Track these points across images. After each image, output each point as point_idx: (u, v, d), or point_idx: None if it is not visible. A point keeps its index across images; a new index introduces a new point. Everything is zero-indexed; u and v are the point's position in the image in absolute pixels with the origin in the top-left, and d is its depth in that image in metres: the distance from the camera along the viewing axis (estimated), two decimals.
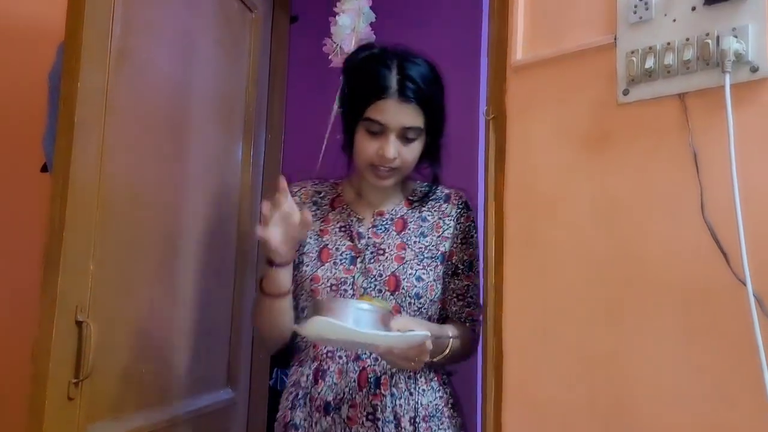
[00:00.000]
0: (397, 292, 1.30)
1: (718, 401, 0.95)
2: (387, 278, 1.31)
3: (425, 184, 1.44)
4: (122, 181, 1.28)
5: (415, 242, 1.36)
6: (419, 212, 1.40)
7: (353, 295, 1.29)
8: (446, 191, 1.44)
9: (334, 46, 1.58)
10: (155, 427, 1.40)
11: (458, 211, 1.41)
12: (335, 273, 1.32)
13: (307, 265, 1.34)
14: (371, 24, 1.61)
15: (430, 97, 1.29)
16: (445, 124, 1.36)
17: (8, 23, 1.91)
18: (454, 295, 1.38)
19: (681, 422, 0.98)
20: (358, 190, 1.42)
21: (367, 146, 1.29)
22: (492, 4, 1.34)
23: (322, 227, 1.39)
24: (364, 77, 1.30)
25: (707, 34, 1.01)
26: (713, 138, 0.98)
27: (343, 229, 1.38)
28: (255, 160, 1.83)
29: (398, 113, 1.26)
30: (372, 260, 1.33)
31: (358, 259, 1.34)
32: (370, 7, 1.62)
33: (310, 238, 1.37)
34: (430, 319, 1.34)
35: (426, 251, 1.36)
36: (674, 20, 1.05)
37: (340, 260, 1.34)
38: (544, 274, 1.19)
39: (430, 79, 1.30)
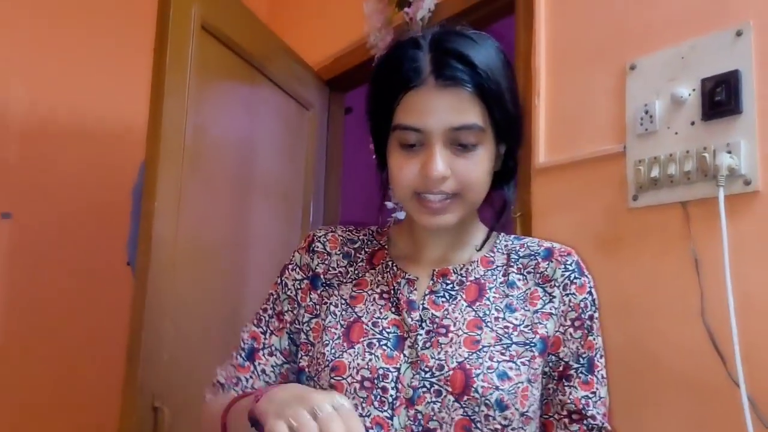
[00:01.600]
0: (466, 397, 0.82)
1: None
2: (451, 373, 0.83)
3: (513, 236, 0.98)
4: (190, 277, 1.47)
5: (497, 319, 0.88)
6: (504, 275, 0.93)
7: (397, 397, 0.83)
8: (546, 245, 0.94)
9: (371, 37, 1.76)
10: None
11: (567, 275, 0.90)
12: (370, 361, 0.85)
13: (328, 345, 0.88)
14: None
15: (488, 77, 0.82)
16: (522, 125, 0.92)
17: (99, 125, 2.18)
18: (565, 412, 0.89)
19: None
20: (410, 240, 0.96)
21: (404, 167, 0.84)
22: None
23: (354, 292, 0.93)
24: (387, 67, 0.87)
25: (705, 148, 1.10)
26: (712, 245, 1.06)
27: (385, 295, 0.92)
28: None
29: (439, 108, 0.82)
30: (429, 344, 0.86)
31: (407, 342, 0.87)
32: None
33: (336, 306, 0.92)
34: None
35: (515, 333, 0.87)
36: (676, 133, 1.15)
37: (380, 342, 0.87)
38: None
39: (486, 54, 0.84)
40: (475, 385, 0.81)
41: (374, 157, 0.94)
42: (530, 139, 1.42)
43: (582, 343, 0.89)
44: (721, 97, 1.09)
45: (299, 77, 1.98)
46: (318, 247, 0.96)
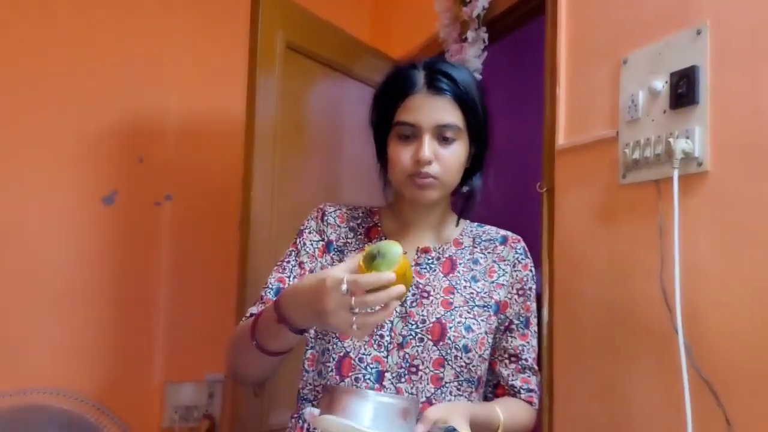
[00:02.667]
0: (441, 342, 1.10)
1: (668, 409, 1.22)
2: (431, 325, 1.11)
3: (476, 224, 1.27)
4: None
5: (465, 287, 1.17)
6: (470, 253, 1.22)
7: (390, 341, 1.10)
8: (502, 233, 1.25)
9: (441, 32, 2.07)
10: None
11: (516, 256, 1.22)
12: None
13: None
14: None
15: (465, 92, 1.12)
16: (489, 130, 1.18)
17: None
18: (507, 355, 1.20)
19: (652, 418, 1.27)
20: (399, 220, 1.23)
21: (400, 153, 1.11)
22: (545, 96, 1.68)
23: None
24: (389, 83, 1.17)
25: (670, 134, 1.27)
26: (672, 217, 1.25)
27: None
28: None
29: (430, 108, 1.10)
30: (414, 303, 1.13)
31: None
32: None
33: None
34: (478, 380, 1.16)
35: (477, 298, 1.16)
36: (653, 120, 1.33)
37: None
38: (575, 320, 1.52)
39: (464, 76, 1.14)
40: (448, 335, 1.11)
41: (375, 149, 1.23)
42: (554, 124, 1.63)
43: (523, 306, 1.22)
44: (683, 90, 1.25)
45: (383, 69, 2.29)
46: (330, 220, 1.23)
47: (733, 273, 1.15)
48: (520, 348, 1.20)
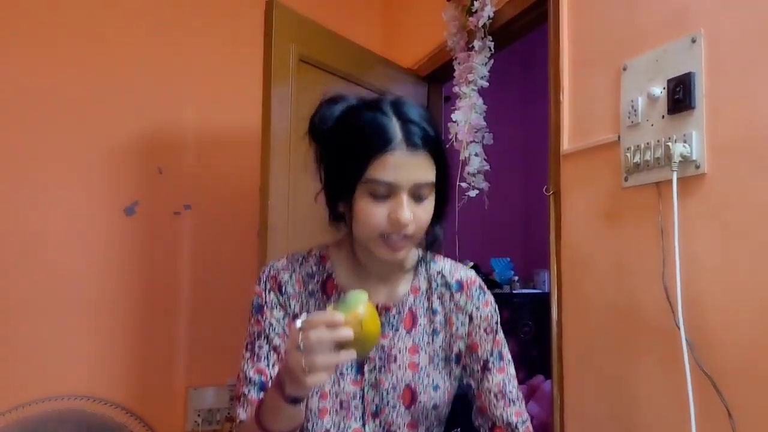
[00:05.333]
0: (413, 406, 1.12)
1: (672, 401, 1.27)
2: (401, 391, 1.12)
3: (432, 260, 1.21)
4: None
5: (427, 343, 1.16)
6: (428, 301, 1.18)
7: (365, 411, 1.11)
8: (457, 277, 1.20)
9: (451, 137, 2.08)
10: None
11: (474, 303, 1.19)
12: (343, 387, 1.11)
13: None
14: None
15: (438, 144, 1.05)
16: (449, 180, 1.12)
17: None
18: (492, 395, 1.17)
19: (657, 412, 1.32)
20: (356, 271, 1.16)
21: (374, 213, 1.02)
22: (550, 102, 1.73)
23: None
24: (358, 130, 1.03)
25: (669, 138, 1.33)
26: (672, 218, 1.30)
27: None
28: None
29: (409, 167, 1.01)
30: (383, 369, 1.12)
31: (366, 368, 1.12)
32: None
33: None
34: (445, 419, 1.20)
35: (440, 351, 1.16)
36: (652, 125, 1.38)
37: (346, 370, 1.12)
38: (582, 318, 1.57)
39: (430, 120, 1.06)
40: (419, 399, 1.13)
41: (324, 192, 1.11)
42: (559, 129, 1.69)
43: (493, 342, 1.18)
44: (679, 95, 1.31)
45: (393, 78, 2.36)
46: (289, 290, 1.14)
47: (732, 270, 1.20)
48: (502, 383, 1.17)
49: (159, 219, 2.55)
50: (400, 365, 1.13)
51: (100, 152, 2.46)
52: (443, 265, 1.22)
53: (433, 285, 1.19)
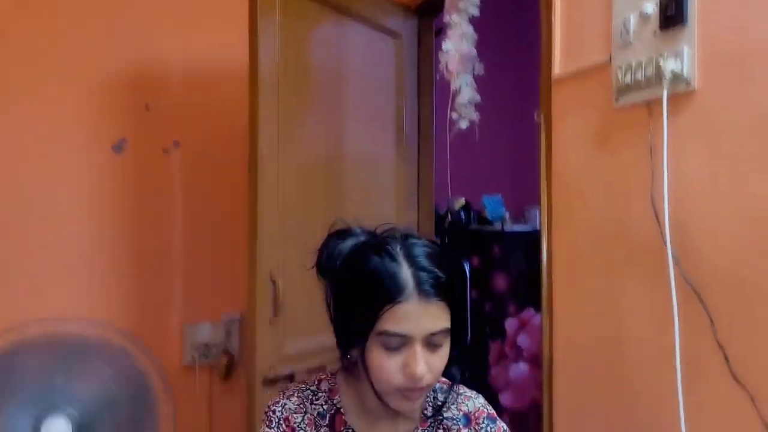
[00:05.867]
0: None
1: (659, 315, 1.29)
2: None
3: (438, 386, 1.14)
4: (294, 188, 1.94)
5: None
6: None
7: None
8: (464, 409, 1.14)
9: (441, 66, 2.06)
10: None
11: None
12: None
13: None
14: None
15: (452, 289, 1.02)
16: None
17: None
18: None
19: (643, 327, 1.35)
20: (365, 410, 1.12)
21: (389, 366, 0.99)
22: (542, 27, 1.71)
23: None
24: (367, 277, 1.01)
25: (660, 55, 1.31)
26: (662, 137, 1.29)
27: None
28: (406, 156, 2.39)
29: (421, 317, 0.98)
30: None
31: None
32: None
33: None
34: None
35: None
36: (643, 43, 1.37)
37: None
38: (573, 244, 1.58)
39: (441, 259, 1.03)
40: None
41: (334, 334, 1.08)
42: (550, 54, 1.67)
43: None
44: (672, 11, 1.29)
45: (384, 10, 2.32)
46: (301, 429, 1.11)
47: (719, 187, 1.20)
48: None
49: (148, 157, 2.52)
50: None
51: (83, 88, 2.41)
52: (459, 398, 1.15)
53: (439, 418, 1.13)
